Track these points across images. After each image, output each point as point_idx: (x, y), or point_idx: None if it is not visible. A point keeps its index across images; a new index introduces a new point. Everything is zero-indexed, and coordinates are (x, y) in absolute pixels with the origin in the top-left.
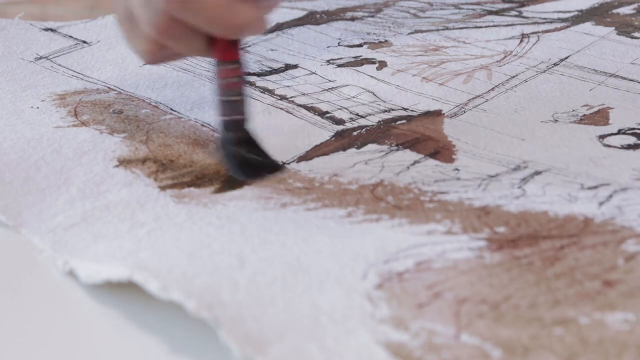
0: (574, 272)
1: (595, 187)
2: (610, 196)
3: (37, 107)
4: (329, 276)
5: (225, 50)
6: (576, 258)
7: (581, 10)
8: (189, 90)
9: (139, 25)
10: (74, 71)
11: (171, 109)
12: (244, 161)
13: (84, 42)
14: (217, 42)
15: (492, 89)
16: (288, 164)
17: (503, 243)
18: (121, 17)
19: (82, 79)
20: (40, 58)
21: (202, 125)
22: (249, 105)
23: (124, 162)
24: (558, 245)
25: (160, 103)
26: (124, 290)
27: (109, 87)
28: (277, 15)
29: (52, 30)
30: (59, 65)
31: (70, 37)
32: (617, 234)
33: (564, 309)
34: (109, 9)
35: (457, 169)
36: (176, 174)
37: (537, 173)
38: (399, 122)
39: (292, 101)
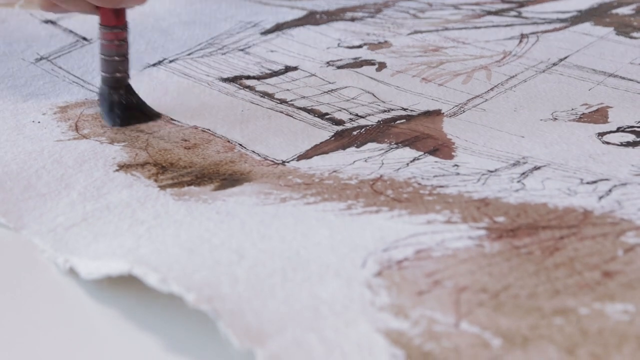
0: (574, 263)
1: (594, 182)
2: (610, 191)
3: (39, 122)
4: (329, 268)
5: (109, 16)
6: (575, 248)
7: (580, 11)
8: (189, 98)
9: None
10: (75, 76)
11: (171, 119)
12: (122, 108)
13: (84, 38)
14: (101, 7)
15: (492, 88)
16: (288, 162)
17: (502, 232)
18: None
19: (82, 85)
20: (41, 59)
21: (203, 130)
22: (128, 64)
23: (124, 167)
24: (557, 235)
25: (160, 113)
26: (124, 290)
27: None
28: (277, 15)
29: (52, 22)
30: (60, 67)
31: (71, 31)
32: (617, 226)
33: (564, 298)
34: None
35: (456, 165)
36: (176, 175)
37: (537, 168)
38: (398, 122)
39: (292, 104)
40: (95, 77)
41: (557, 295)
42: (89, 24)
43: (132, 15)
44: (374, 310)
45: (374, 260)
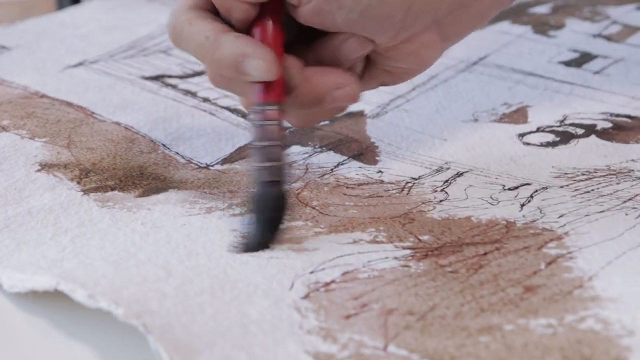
0: (498, 279)
1: (516, 188)
2: (531, 197)
3: None
4: (257, 289)
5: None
6: (499, 264)
7: None
8: (110, 93)
9: None
10: None
11: (93, 112)
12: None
13: (3, 47)
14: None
15: (414, 88)
16: (212, 165)
17: (428, 252)
18: None
19: (1, 84)
20: None
21: (125, 127)
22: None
23: (46, 167)
24: (481, 251)
25: (82, 107)
26: (49, 299)
27: (29, 92)
28: None
29: None
30: None
31: None
32: (539, 237)
33: (489, 316)
34: (43, 10)
35: (380, 171)
36: (99, 178)
37: (459, 175)
38: (321, 124)
39: (215, 103)
40: (14, 77)
41: (482, 313)
42: (9, 35)
43: (51, 26)
44: (302, 332)
45: (301, 283)
